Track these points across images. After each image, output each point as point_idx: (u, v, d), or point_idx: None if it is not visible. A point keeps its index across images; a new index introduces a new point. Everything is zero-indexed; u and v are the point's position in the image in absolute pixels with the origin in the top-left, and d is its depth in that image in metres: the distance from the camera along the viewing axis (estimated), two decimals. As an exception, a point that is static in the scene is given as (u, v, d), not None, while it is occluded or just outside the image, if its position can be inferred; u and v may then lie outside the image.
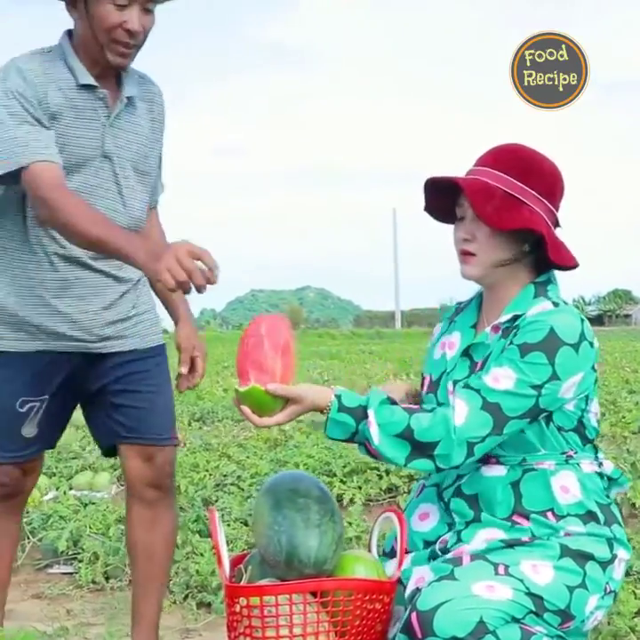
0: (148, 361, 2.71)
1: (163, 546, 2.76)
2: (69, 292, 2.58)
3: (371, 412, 2.00)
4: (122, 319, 2.65)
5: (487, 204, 2.07)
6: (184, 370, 2.78)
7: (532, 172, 2.13)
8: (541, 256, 2.13)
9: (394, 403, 2.04)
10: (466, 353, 2.18)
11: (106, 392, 2.68)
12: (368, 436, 2.00)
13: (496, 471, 2.09)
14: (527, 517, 2.06)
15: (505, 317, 2.12)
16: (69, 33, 2.57)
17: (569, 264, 2.14)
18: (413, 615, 1.90)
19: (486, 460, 2.09)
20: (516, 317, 2.10)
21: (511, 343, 2.05)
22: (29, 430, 2.64)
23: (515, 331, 2.07)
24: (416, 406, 2.06)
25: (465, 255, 2.15)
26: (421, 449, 1.98)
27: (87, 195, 2.53)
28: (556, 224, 2.17)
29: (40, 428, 2.66)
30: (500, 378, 2.00)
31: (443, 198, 2.19)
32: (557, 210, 2.17)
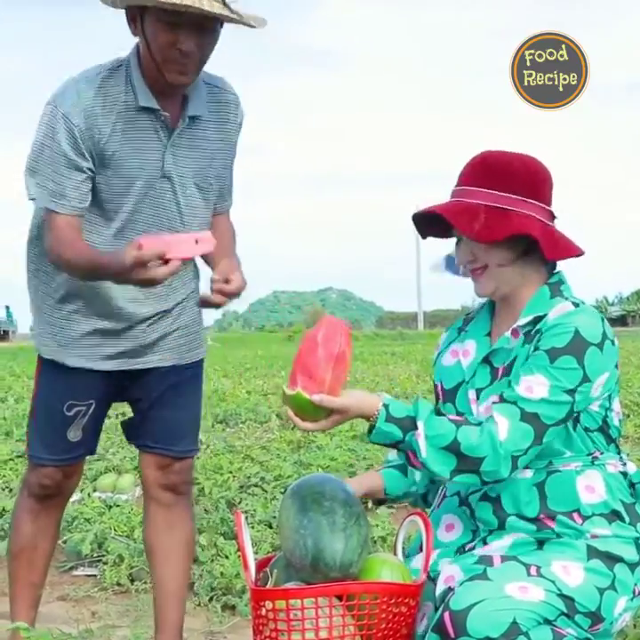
0: (185, 372, 2.72)
1: (180, 547, 2.77)
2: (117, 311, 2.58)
3: (420, 424, 2.00)
4: (164, 335, 2.66)
5: (473, 222, 2.07)
6: (217, 276, 2.42)
7: (505, 177, 2.10)
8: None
9: (440, 414, 2.04)
10: (485, 360, 2.17)
11: (142, 402, 2.71)
12: (416, 448, 1.99)
13: (521, 474, 2.08)
14: (553, 519, 2.05)
15: (524, 320, 2.11)
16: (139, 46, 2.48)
17: (571, 255, 2.13)
18: (446, 615, 1.90)
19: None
20: (536, 319, 2.09)
21: (537, 349, 2.04)
22: (75, 434, 2.67)
23: (538, 335, 2.06)
24: (461, 418, 2.05)
25: (475, 271, 2.15)
26: (467, 464, 1.98)
27: (146, 216, 2.51)
28: (552, 217, 2.14)
29: (84, 433, 2.68)
30: (534, 386, 2.00)
31: (438, 222, 2.16)
32: (549, 203, 2.14)
